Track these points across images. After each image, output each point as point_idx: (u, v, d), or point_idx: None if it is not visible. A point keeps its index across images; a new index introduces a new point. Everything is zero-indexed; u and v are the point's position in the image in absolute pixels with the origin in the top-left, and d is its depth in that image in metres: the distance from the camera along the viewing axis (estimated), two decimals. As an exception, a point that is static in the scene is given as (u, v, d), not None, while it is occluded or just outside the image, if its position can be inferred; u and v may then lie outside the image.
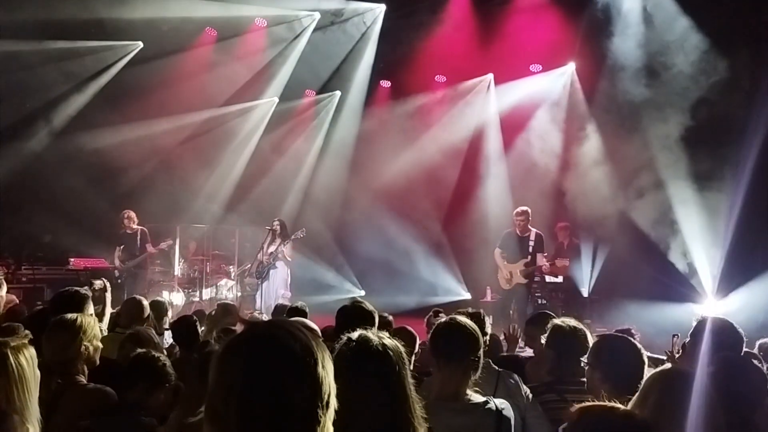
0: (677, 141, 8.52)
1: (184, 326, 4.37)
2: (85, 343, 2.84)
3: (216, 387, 1.21)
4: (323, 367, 1.24)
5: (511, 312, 8.60)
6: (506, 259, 8.69)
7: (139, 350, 3.02)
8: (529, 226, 8.66)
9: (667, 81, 8.67)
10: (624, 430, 1.74)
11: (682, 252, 8.54)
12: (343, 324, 2.90)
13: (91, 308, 3.63)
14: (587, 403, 1.88)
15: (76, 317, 2.88)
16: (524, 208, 8.72)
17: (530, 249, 8.54)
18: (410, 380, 1.88)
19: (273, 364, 1.19)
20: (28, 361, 2.29)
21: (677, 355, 4.36)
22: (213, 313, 5.44)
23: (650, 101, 8.89)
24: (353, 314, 3.22)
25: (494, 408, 2.42)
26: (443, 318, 4.99)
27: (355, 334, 1.91)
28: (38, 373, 2.33)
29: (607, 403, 1.89)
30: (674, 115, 8.53)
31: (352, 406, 1.64)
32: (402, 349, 1.90)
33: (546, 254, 8.72)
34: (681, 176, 8.42)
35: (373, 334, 1.91)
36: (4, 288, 3.57)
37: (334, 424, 1.27)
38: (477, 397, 2.47)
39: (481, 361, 2.53)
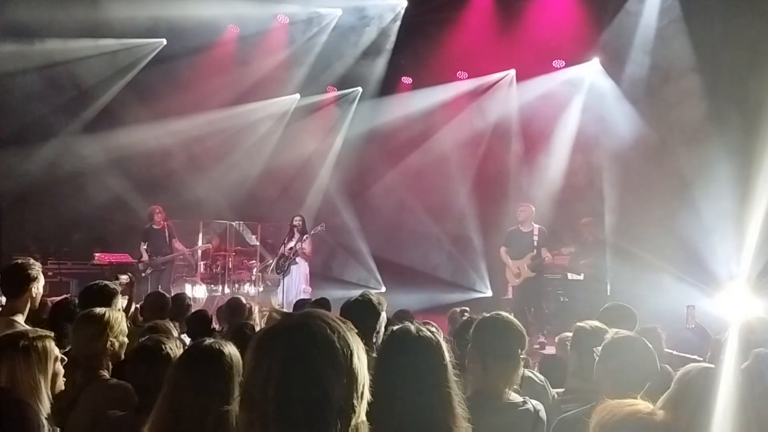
0: (707, 134, 8.38)
1: (196, 320, 4.41)
2: (111, 338, 2.86)
3: (252, 375, 1.21)
4: (359, 357, 1.24)
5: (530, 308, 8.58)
6: (511, 256, 8.70)
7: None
8: (532, 222, 8.68)
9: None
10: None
11: (713, 246, 8.39)
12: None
13: (119, 303, 3.64)
14: (610, 403, 1.85)
15: (104, 312, 2.90)
16: (526, 205, 8.78)
17: (534, 243, 8.54)
18: (451, 374, 1.88)
19: (310, 353, 1.19)
20: (48, 354, 2.34)
21: (691, 327, 4.30)
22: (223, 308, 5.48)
23: (678, 94, 8.76)
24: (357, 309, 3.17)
25: (532, 409, 2.40)
26: (468, 316, 5.01)
27: (396, 326, 1.92)
28: (60, 368, 2.37)
29: (629, 403, 1.86)
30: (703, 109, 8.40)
31: (390, 396, 1.64)
32: (442, 341, 1.91)
33: (551, 255, 8.71)
34: (712, 172, 8.26)
35: (414, 326, 1.92)
36: (42, 281, 3.52)
37: (372, 413, 1.28)
38: (515, 397, 2.43)
39: (522, 360, 2.49)
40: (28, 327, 3.25)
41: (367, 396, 1.26)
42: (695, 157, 8.49)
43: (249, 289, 11.09)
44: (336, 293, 9.34)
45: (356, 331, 1.28)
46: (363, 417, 1.25)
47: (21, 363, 2.28)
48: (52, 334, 2.44)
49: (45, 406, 2.30)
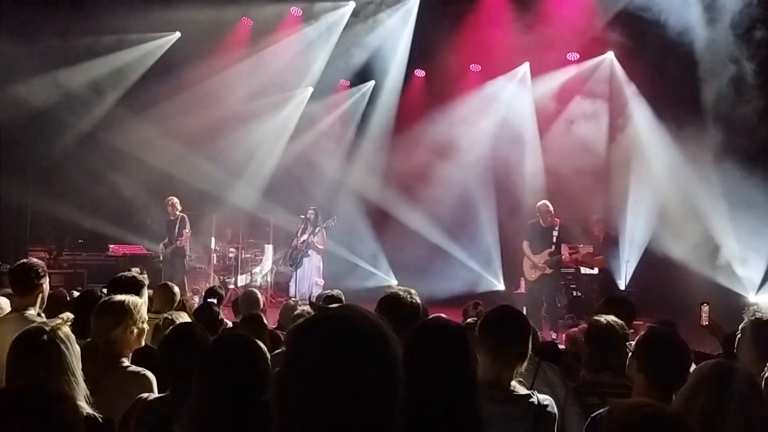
0: (729, 129, 8.31)
1: (205, 313, 4.44)
2: (131, 325, 2.89)
3: (289, 368, 1.23)
4: (394, 350, 1.25)
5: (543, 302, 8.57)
6: (532, 250, 8.68)
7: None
8: (552, 217, 8.62)
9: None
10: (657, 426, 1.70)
11: (728, 243, 8.34)
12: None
13: (146, 294, 3.71)
14: (619, 401, 1.86)
15: (124, 299, 2.92)
16: (545, 202, 8.71)
17: (554, 239, 8.51)
18: (476, 364, 1.91)
19: (347, 345, 1.21)
20: (70, 340, 2.39)
21: (704, 323, 4.28)
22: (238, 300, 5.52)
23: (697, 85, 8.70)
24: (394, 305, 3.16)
25: (536, 402, 2.40)
26: (481, 309, 5.02)
27: (427, 318, 1.96)
28: (78, 349, 2.42)
29: (640, 399, 1.87)
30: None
31: (419, 386, 1.67)
32: (467, 333, 1.94)
33: (573, 245, 8.69)
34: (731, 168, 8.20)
35: (440, 319, 1.95)
36: (47, 278, 3.74)
37: (404, 402, 1.27)
38: (520, 389, 2.45)
39: (529, 351, 2.51)
40: (43, 319, 3.34)
41: (401, 389, 1.26)
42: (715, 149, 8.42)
43: (261, 281, 11.16)
44: (348, 285, 9.37)
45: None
46: (398, 409, 1.25)
47: (53, 356, 2.31)
48: (66, 319, 2.50)
49: (82, 389, 2.34)
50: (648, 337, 2.66)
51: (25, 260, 3.85)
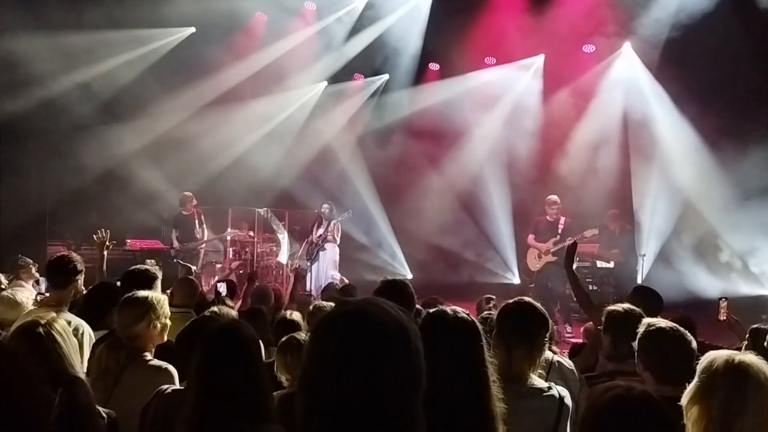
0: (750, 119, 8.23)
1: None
2: (154, 320, 2.94)
3: (311, 361, 1.23)
4: (416, 344, 1.24)
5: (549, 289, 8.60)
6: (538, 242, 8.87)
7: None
8: (559, 214, 8.81)
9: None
10: (642, 411, 1.70)
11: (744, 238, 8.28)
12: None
13: (159, 286, 3.73)
14: (606, 385, 1.84)
15: (147, 294, 2.97)
16: (554, 197, 8.87)
17: (559, 231, 8.64)
18: (486, 355, 1.90)
19: (368, 339, 1.20)
20: (66, 332, 2.45)
21: (722, 316, 4.26)
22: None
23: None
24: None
25: (557, 395, 2.41)
26: (493, 304, 5.03)
27: (432, 309, 1.95)
28: (75, 342, 2.49)
29: (627, 383, 1.85)
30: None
31: (428, 377, 1.68)
32: (478, 324, 1.94)
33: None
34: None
35: (450, 309, 1.94)
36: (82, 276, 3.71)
37: None
38: (540, 382, 2.46)
39: (546, 343, 2.52)
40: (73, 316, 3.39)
41: (424, 384, 1.25)
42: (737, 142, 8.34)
43: (276, 275, 11.21)
44: (363, 279, 9.41)
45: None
46: (419, 406, 1.24)
47: (51, 347, 2.37)
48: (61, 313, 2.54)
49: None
50: (645, 335, 2.64)
51: (64, 253, 3.77)
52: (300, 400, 1.23)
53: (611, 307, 3.28)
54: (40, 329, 2.37)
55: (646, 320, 2.74)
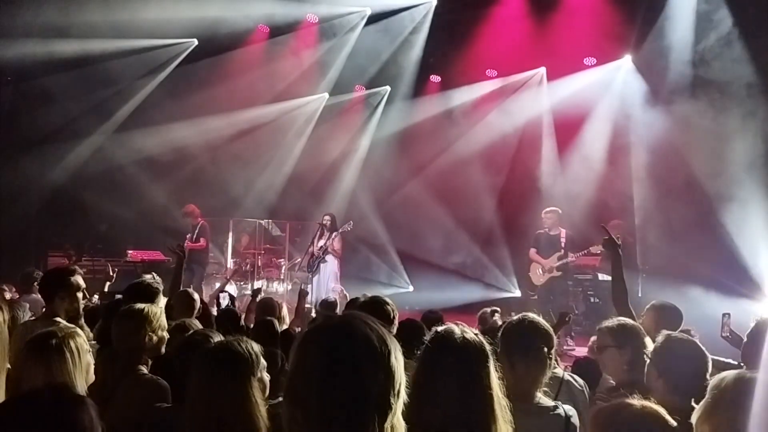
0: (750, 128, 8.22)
1: (226, 318, 4.44)
2: (150, 333, 2.91)
3: (296, 372, 1.28)
4: (396, 357, 1.30)
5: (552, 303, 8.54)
6: (541, 257, 8.78)
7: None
8: (559, 226, 8.77)
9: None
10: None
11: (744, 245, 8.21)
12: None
13: (162, 301, 3.72)
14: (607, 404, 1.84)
15: (143, 307, 2.95)
16: (549, 208, 8.88)
17: (562, 245, 8.61)
18: (495, 378, 1.87)
19: (350, 352, 1.25)
20: (80, 350, 2.43)
21: (724, 333, 4.23)
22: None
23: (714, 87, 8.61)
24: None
25: (563, 414, 2.37)
26: (498, 316, 4.98)
27: (441, 327, 1.93)
28: (87, 361, 2.46)
29: (629, 400, 1.85)
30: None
31: (431, 399, 1.67)
32: (486, 345, 1.91)
33: (579, 253, 8.65)
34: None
35: (458, 328, 1.92)
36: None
37: (413, 414, 1.33)
38: (546, 401, 2.42)
39: (553, 359, 2.49)
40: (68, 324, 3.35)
41: (403, 395, 1.31)
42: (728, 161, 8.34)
43: (278, 287, 11.17)
44: (364, 292, 9.34)
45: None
46: (399, 415, 1.30)
47: (56, 361, 2.35)
48: (80, 330, 2.51)
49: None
50: (665, 345, 2.65)
51: (65, 266, 3.79)
52: (286, 410, 1.28)
53: (622, 321, 3.24)
54: (53, 341, 2.36)
55: (666, 332, 2.76)
